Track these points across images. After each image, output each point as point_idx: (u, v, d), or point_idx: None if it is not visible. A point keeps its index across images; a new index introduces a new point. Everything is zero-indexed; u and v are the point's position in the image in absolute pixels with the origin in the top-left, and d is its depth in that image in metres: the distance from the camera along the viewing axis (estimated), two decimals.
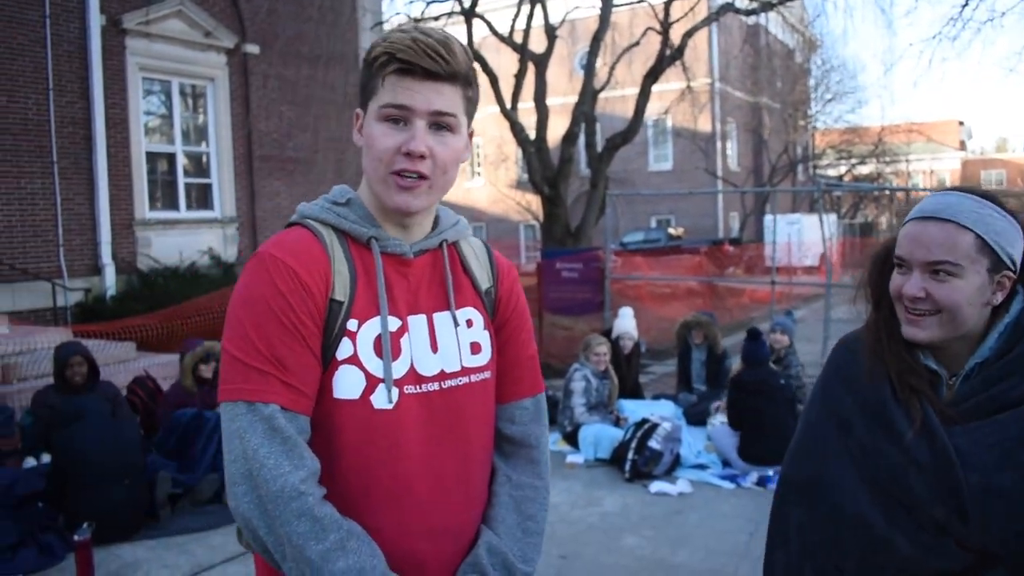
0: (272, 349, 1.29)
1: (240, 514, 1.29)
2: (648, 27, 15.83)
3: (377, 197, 1.42)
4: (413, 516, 1.38)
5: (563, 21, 16.48)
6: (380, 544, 1.33)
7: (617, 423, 6.83)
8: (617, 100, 24.49)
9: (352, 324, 1.36)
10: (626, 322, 8.15)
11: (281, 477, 1.25)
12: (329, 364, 1.34)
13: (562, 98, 22.09)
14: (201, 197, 13.02)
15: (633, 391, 8.01)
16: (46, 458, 5.50)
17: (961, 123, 62.22)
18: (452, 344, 1.45)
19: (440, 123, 1.38)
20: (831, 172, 36.77)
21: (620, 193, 15.47)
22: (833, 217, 28.42)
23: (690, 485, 5.85)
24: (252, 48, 13.38)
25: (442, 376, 1.43)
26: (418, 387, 1.40)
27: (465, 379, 1.46)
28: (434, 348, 1.43)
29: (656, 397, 8.22)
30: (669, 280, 15.90)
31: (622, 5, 16.36)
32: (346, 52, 15.05)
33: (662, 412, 7.06)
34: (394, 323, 1.39)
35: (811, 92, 33.25)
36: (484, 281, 1.55)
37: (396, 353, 1.38)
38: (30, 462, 5.55)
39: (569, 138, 15.65)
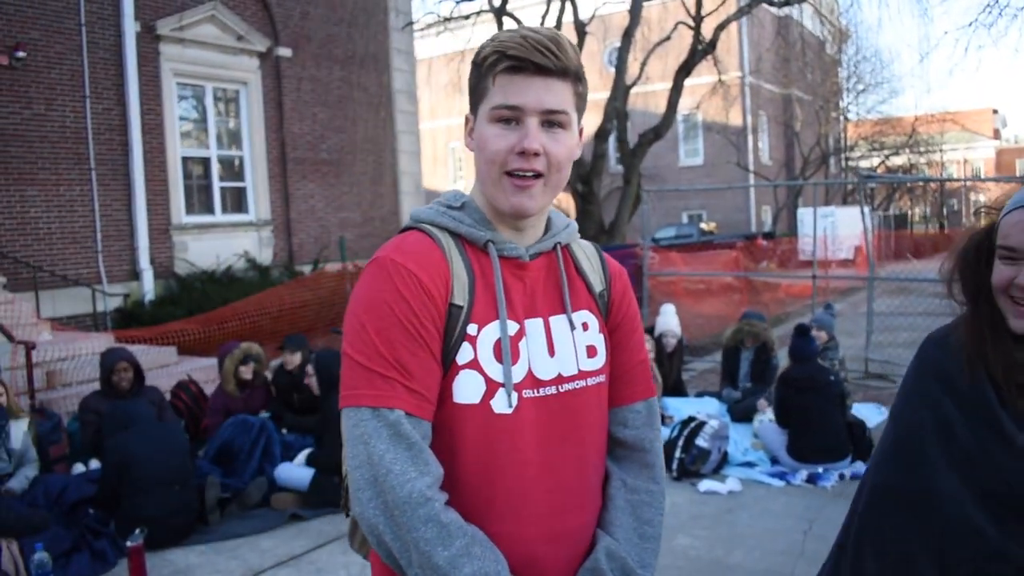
0: (396, 354, 1.29)
1: (365, 520, 1.28)
2: (679, 21, 15.71)
3: (491, 200, 1.41)
4: (532, 521, 1.38)
5: (593, 17, 16.38)
6: (500, 550, 1.33)
7: (662, 421, 6.74)
8: (648, 95, 24.33)
9: (472, 328, 1.36)
10: (670, 319, 8.06)
11: (408, 483, 1.24)
12: (449, 369, 1.34)
13: (593, 94, 22.02)
14: (236, 201, 13.10)
15: (676, 388, 7.93)
16: (95, 464, 5.54)
17: (995, 111, 61.18)
18: (569, 348, 1.45)
19: (552, 120, 1.36)
20: (863, 164, 36.27)
21: (656, 189, 15.34)
22: (867, 209, 28.08)
23: (739, 483, 5.76)
24: (284, 51, 13.45)
25: (559, 380, 1.42)
26: (536, 391, 1.39)
27: (582, 383, 1.45)
28: (551, 352, 1.43)
29: (699, 394, 8.13)
30: (707, 276, 15.73)
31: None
32: (378, 53, 15.10)
33: (707, 409, 6.98)
34: (512, 327, 1.39)
35: (843, 83, 32.85)
36: (597, 284, 1.55)
37: (515, 357, 1.38)
38: (79, 468, 5.59)
39: (601, 134, 15.55)
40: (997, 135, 60.88)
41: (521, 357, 1.38)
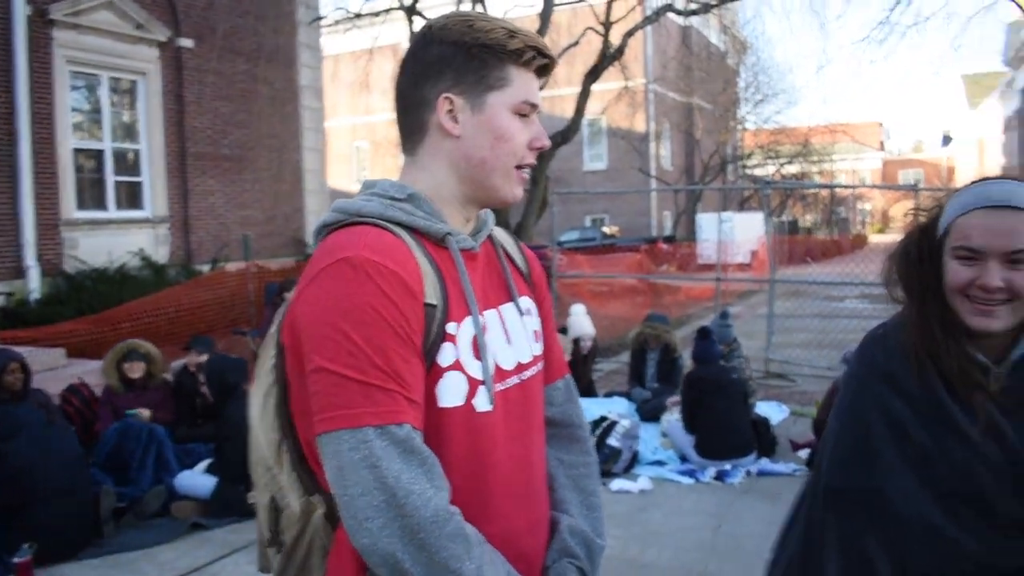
0: (391, 363, 1.18)
1: (379, 551, 1.14)
2: (588, 27, 15.88)
3: (492, 190, 1.39)
4: (519, 514, 1.37)
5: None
6: (497, 550, 1.30)
7: None
8: (555, 99, 24.55)
9: (451, 327, 1.29)
10: (584, 321, 8.12)
11: (431, 501, 1.16)
12: (429, 372, 1.26)
13: None
14: (131, 196, 12.57)
15: (587, 390, 7.98)
16: None
17: (881, 125, 64.30)
18: (522, 335, 1.45)
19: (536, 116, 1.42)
20: (759, 171, 37.51)
21: (565, 192, 15.48)
22: (763, 215, 29.00)
23: (650, 482, 5.82)
24: (186, 42, 12.98)
25: (519, 368, 1.42)
26: (503, 383, 1.37)
27: (535, 368, 1.47)
28: (508, 341, 1.41)
29: (608, 394, 8.20)
30: (614, 278, 15.96)
31: (562, 4, 16.37)
32: (284, 47, 14.75)
33: (617, 409, 7.05)
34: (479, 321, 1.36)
35: (742, 93, 33.90)
36: (524, 268, 1.56)
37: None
38: None
39: None
40: (883, 147, 63.98)
41: (489, 351, 1.35)
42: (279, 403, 1.32)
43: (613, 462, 5.98)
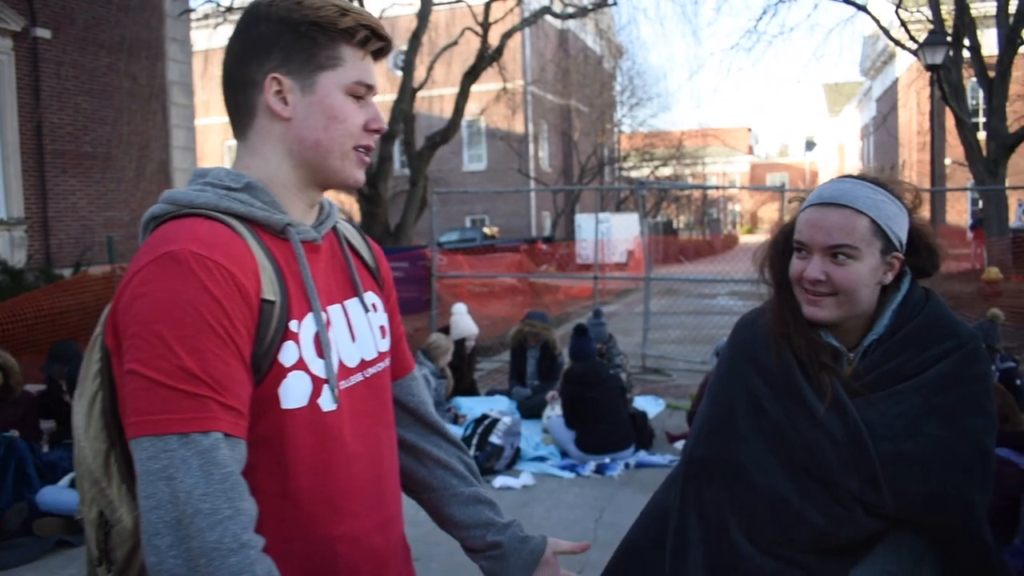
0: (206, 367, 1.10)
1: (163, 571, 1.05)
2: (467, 27, 15.94)
3: (331, 174, 1.33)
4: (369, 514, 1.33)
5: (380, 17, 16.27)
6: (345, 552, 1.26)
7: (455, 420, 6.78)
8: (434, 99, 24.53)
9: (293, 325, 1.23)
10: (466, 320, 8.14)
11: (220, 525, 1.06)
12: (269, 372, 1.19)
13: (380, 96, 21.82)
14: None
15: (469, 388, 8.00)
16: None
17: (750, 130, 67.13)
18: (367, 331, 1.40)
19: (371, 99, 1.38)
20: (635, 173, 38.52)
21: (445, 191, 15.46)
22: (637, 216, 29.79)
23: (532, 477, 5.89)
24: (43, 32, 12.29)
25: (363, 365, 1.38)
26: (348, 381, 1.33)
27: (381, 365, 1.43)
28: (352, 337, 1.37)
29: (490, 393, 8.25)
30: (495, 278, 16.05)
31: (441, 4, 16.37)
32: (151, 40, 14.16)
33: (499, 407, 7.09)
34: (322, 317, 1.31)
35: (618, 97, 34.72)
36: (370, 261, 1.52)
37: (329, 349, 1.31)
38: None
39: (388, 136, 15.47)
40: (751, 151, 66.79)
41: (332, 348, 1.30)
42: (105, 410, 1.23)
43: (496, 459, 6.02)
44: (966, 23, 15.35)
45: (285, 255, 1.26)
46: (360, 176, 1.36)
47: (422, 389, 1.61)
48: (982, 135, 15.73)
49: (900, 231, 1.64)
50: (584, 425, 6.26)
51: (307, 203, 1.36)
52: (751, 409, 1.69)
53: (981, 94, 16.19)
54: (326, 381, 1.26)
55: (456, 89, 15.81)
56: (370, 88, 1.33)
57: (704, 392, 1.92)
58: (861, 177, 1.70)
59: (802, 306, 1.66)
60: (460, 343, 7.64)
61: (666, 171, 39.35)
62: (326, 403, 1.25)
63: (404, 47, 16.10)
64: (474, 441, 6.03)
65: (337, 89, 1.29)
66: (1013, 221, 17.32)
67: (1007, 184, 15.34)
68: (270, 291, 1.20)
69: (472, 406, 7.23)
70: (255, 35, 1.29)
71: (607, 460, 6.11)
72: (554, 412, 6.82)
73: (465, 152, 34.46)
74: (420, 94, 16.84)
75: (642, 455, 6.28)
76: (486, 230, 30.72)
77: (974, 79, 16.22)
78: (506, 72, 17.82)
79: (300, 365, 1.23)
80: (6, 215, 11.93)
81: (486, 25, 15.31)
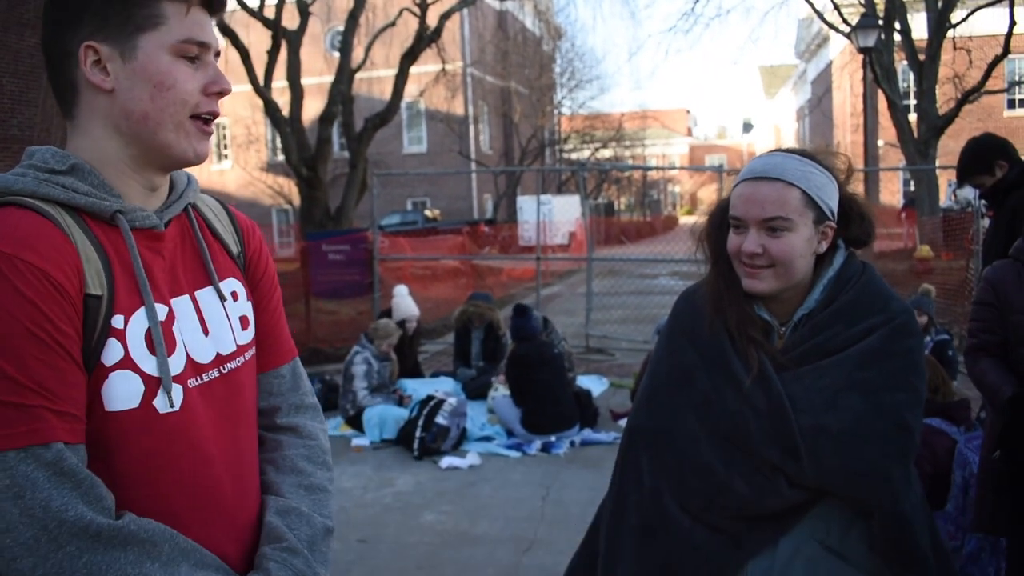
0: (31, 374, 1.02)
1: None
2: (404, 8, 15.80)
3: (161, 147, 1.19)
4: (220, 520, 1.23)
5: None
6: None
7: (401, 402, 6.78)
8: (373, 81, 24.23)
9: (118, 321, 1.12)
10: (408, 302, 8.10)
11: (92, 525, 1.03)
12: (94, 372, 1.10)
13: (317, 78, 21.55)
14: None
15: (413, 370, 8.00)
16: None
17: (688, 112, 67.84)
18: (223, 323, 1.28)
19: (213, 58, 1.24)
20: (575, 155, 38.65)
21: (385, 173, 15.36)
22: (579, 197, 29.95)
23: (479, 457, 5.92)
24: None
25: (219, 361, 1.26)
26: (198, 379, 1.22)
27: (241, 359, 1.31)
28: (205, 331, 1.25)
29: (435, 375, 8.25)
30: (436, 260, 16.02)
31: None
32: None
33: (444, 388, 7.11)
34: (162, 311, 1.18)
35: (557, 79, 34.77)
36: (233, 245, 1.38)
37: (171, 346, 1.18)
38: None
39: (326, 118, 15.31)
40: (690, 133, 67.56)
41: (177, 344, 1.19)
42: None
43: (442, 440, 6.03)
44: (897, 7, 15.72)
45: (116, 245, 1.15)
46: (202, 149, 1.21)
47: (289, 389, 1.44)
48: (913, 117, 16.15)
49: (831, 201, 1.68)
50: (530, 405, 6.30)
51: (146, 185, 1.22)
52: (683, 380, 1.74)
53: (912, 77, 16.62)
54: (160, 381, 1.15)
55: (395, 71, 15.67)
56: (204, 46, 1.18)
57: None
58: (790, 150, 1.75)
59: (742, 279, 1.70)
60: (401, 324, 7.63)
61: (606, 153, 39.56)
62: (162, 405, 1.15)
63: (342, 28, 15.89)
64: (420, 422, 6.03)
65: (161, 51, 1.15)
66: (944, 201, 17.87)
67: (937, 164, 15.78)
68: (95, 285, 1.10)
69: (417, 388, 7.23)
70: (65, 2, 1.15)
71: (553, 439, 6.16)
72: (499, 392, 6.85)
73: (405, 134, 34.20)
74: (359, 75, 16.64)
75: (587, 433, 6.35)
76: (428, 213, 30.59)
77: (905, 62, 16.63)
78: (445, 54, 17.73)
79: (126, 364, 1.12)
80: None
81: (424, 6, 15.19)
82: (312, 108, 18.03)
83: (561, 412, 6.31)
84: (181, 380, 1.18)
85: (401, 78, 15.42)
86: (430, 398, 6.31)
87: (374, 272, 10.94)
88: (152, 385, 1.14)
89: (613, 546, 1.78)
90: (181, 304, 1.22)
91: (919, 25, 16.68)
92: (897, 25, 15.91)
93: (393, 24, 16.43)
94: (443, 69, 19.09)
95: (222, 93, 1.21)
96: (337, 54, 16.23)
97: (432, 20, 15.42)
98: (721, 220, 1.78)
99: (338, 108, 15.44)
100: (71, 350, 1.06)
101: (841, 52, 29.95)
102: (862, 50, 14.55)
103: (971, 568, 3.18)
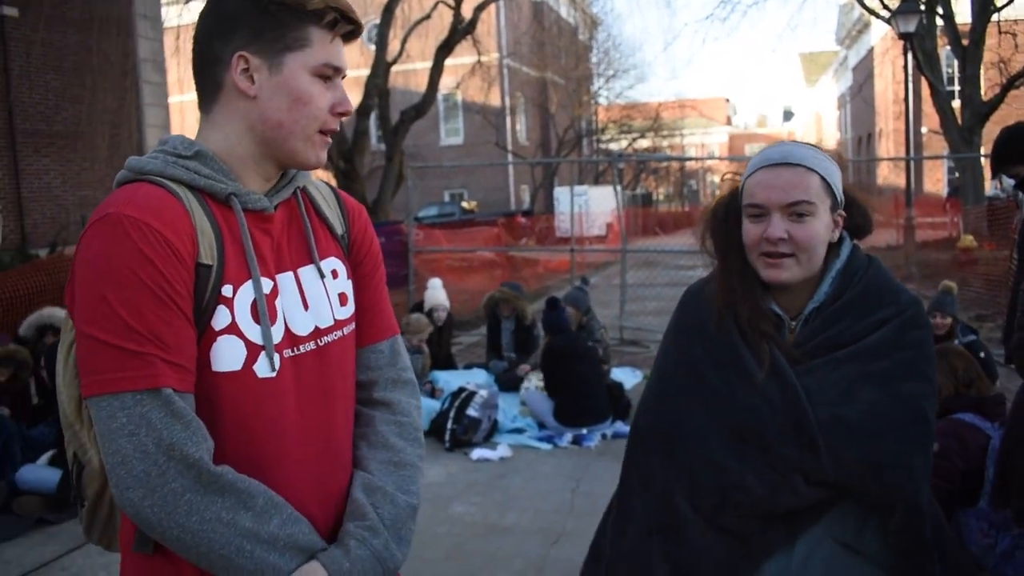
0: (149, 327, 1.15)
1: (143, 520, 1.15)
2: (439, 0, 15.81)
3: (288, 152, 1.33)
4: (306, 486, 1.32)
5: None
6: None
7: (433, 394, 6.83)
8: (409, 73, 24.36)
9: (227, 290, 1.25)
10: (438, 294, 8.15)
11: (195, 466, 1.15)
12: (204, 335, 1.22)
13: (354, 71, 21.59)
14: None
15: (446, 362, 8.05)
16: None
17: (727, 100, 67.13)
18: (322, 298, 1.39)
19: (340, 81, 1.37)
20: (613, 146, 38.47)
21: (421, 166, 15.41)
22: (618, 188, 29.81)
23: (510, 449, 5.96)
24: (10, 11, 12.08)
25: (317, 333, 1.37)
26: (294, 349, 1.33)
27: (339, 332, 1.41)
28: (305, 306, 1.36)
29: (468, 366, 8.29)
30: (471, 251, 16.05)
31: None
32: (120, 17, 13.94)
33: (476, 380, 7.15)
34: (267, 285, 1.30)
35: (594, 69, 34.60)
36: (338, 226, 1.49)
37: (273, 317, 1.29)
38: None
39: (363, 111, 15.39)
40: (729, 122, 66.84)
41: (278, 316, 1.31)
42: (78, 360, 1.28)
43: (473, 432, 6.08)
44: None
45: (230, 222, 1.29)
46: (321, 158, 1.35)
47: (387, 364, 1.51)
48: (957, 103, 15.84)
49: (840, 189, 1.69)
50: (563, 397, 6.32)
51: (262, 176, 1.36)
52: (693, 377, 1.73)
53: (955, 62, 16.29)
54: (263, 348, 1.27)
55: (431, 63, 15.72)
56: (338, 70, 1.33)
57: None
58: (794, 142, 1.75)
59: (761, 271, 1.68)
60: (429, 314, 7.69)
61: (644, 143, 39.34)
62: (262, 370, 1.26)
63: (377, 21, 15.97)
64: (451, 414, 6.08)
65: (303, 71, 1.29)
66: (988, 189, 17.51)
67: (982, 152, 15.46)
68: (208, 256, 1.23)
69: (449, 380, 7.28)
70: (223, 12, 1.29)
71: (584, 431, 6.17)
72: (532, 384, 6.88)
73: (442, 126, 34.31)
74: (395, 68, 16.73)
75: (619, 426, 6.36)
76: (464, 204, 30.66)
77: (948, 47, 16.30)
78: (480, 45, 17.74)
79: (232, 330, 1.24)
80: None
81: None
82: (351, 100, 18.14)
83: (595, 405, 6.32)
84: (278, 349, 1.29)
85: (436, 70, 15.48)
86: (461, 390, 6.36)
87: (409, 264, 11.01)
88: (254, 351, 1.26)
89: (621, 550, 1.76)
90: (285, 280, 1.34)
91: (962, 9, 16.34)
92: (939, 9, 15.59)
93: (428, 17, 16.48)
94: (479, 61, 19.11)
95: (345, 114, 1.36)
96: (373, 47, 16.31)
97: (467, 12, 15.45)
98: (725, 214, 1.77)
99: (374, 101, 15.54)
100: (184, 308, 1.19)
101: (882, 38, 29.43)
102: (903, 36, 14.30)
103: (1004, 566, 3.13)
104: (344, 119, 1.36)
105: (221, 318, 1.24)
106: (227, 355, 1.24)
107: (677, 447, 1.70)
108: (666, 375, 1.81)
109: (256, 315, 1.27)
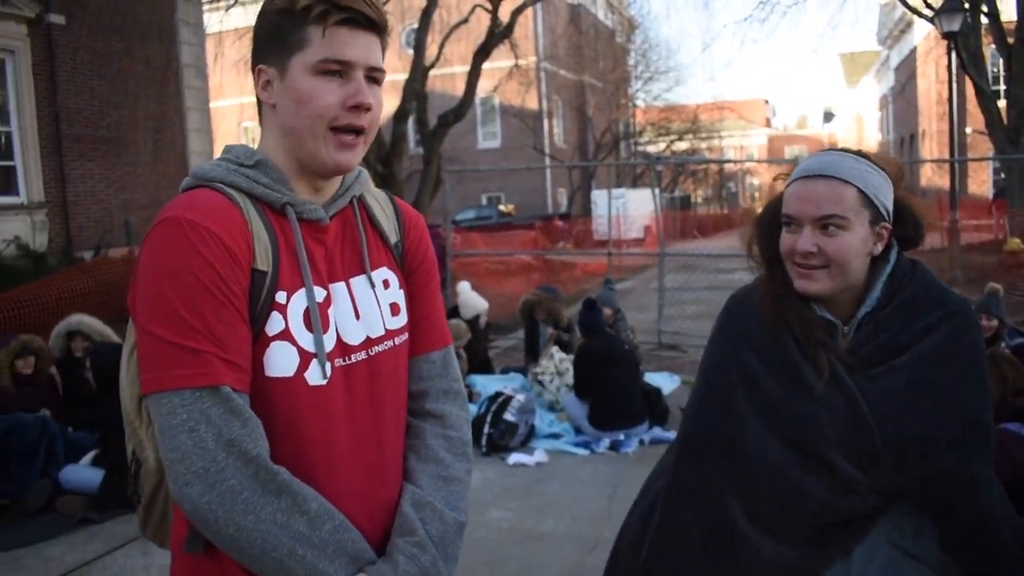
0: (208, 326, 1.17)
1: (200, 517, 1.16)
2: (477, 4, 15.87)
3: (309, 157, 1.32)
4: (353, 495, 1.32)
5: None
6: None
7: (470, 398, 6.83)
8: (446, 78, 24.44)
9: (281, 296, 1.27)
10: (475, 298, 8.16)
11: (251, 463, 1.17)
12: (258, 339, 1.24)
13: (392, 75, 21.74)
14: (3, 181, 11.93)
15: (483, 366, 8.04)
16: None
17: (767, 102, 66.51)
18: (373, 308, 1.40)
19: (373, 77, 1.32)
20: (651, 148, 38.29)
21: (459, 170, 15.47)
22: (656, 190, 29.65)
23: (546, 454, 5.93)
24: (57, 18, 12.33)
25: (368, 344, 1.37)
26: (345, 359, 1.33)
27: (390, 343, 1.41)
28: (357, 315, 1.37)
29: (505, 370, 8.28)
30: (508, 255, 16.07)
31: None
32: (163, 23, 14.17)
33: (513, 384, 7.13)
34: (320, 294, 1.31)
35: (632, 71, 34.48)
36: (392, 235, 1.49)
37: (325, 325, 1.31)
38: None
39: (401, 115, 15.47)
40: (768, 123, 66.21)
41: (330, 325, 1.32)
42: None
43: (510, 436, 6.06)
44: None
45: (286, 231, 1.31)
46: (341, 159, 1.31)
47: (439, 374, 1.51)
48: (1003, 103, 15.53)
49: (887, 201, 1.64)
50: (598, 401, 6.28)
51: (310, 186, 1.36)
52: (747, 386, 1.69)
53: (1001, 62, 15.97)
54: (315, 355, 1.28)
55: (468, 67, 15.77)
56: (344, 64, 1.28)
57: None
58: (844, 150, 1.71)
59: (794, 280, 1.66)
60: (475, 321, 7.68)
61: (682, 145, 39.10)
62: (314, 377, 1.27)
63: (415, 26, 16.05)
64: (488, 419, 6.07)
65: (303, 70, 1.28)
66: None
67: None
68: (263, 262, 1.25)
69: (486, 384, 7.28)
70: (254, 31, 1.35)
71: (621, 437, 6.12)
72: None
73: (479, 130, 34.38)
74: (432, 72, 16.79)
75: (657, 431, 6.30)
76: (502, 207, 30.70)
77: (993, 46, 15.99)
78: (518, 49, 17.75)
79: (285, 336, 1.26)
80: (27, 199, 12.04)
81: (496, 2, 15.24)
82: (387, 105, 18.17)
83: (629, 408, 6.25)
84: (330, 358, 1.30)
85: (474, 74, 15.52)
86: (498, 394, 6.35)
87: (446, 268, 11.03)
88: (306, 358, 1.27)
89: (668, 564, 1.72)
90: (337, 289, 1.35)
91: (1008, 7, 16.01)
92: (984, 8, 15.29)
93: (466, 21, 16.52)
94: (516, 64, 19.12)
95: (359, 107, 1.29)
96: (411, 52, 16.40)
97: (504, 16, 15.47)
98: (772, 221, 1.74)
99: (412, 105, 15.61)
100: (240, 309, 1.21)
101: (925, 37, 28.94)
102: (946, 35, 14.04)
103: None
104: (368, 115, 1.31)
105: (274, 324, 1.26)
106: (279, 361, 1.25)
107: (733, 454, 1.67)
108: (714, 383, 1.77)
109: (309, 323, 1.28)
